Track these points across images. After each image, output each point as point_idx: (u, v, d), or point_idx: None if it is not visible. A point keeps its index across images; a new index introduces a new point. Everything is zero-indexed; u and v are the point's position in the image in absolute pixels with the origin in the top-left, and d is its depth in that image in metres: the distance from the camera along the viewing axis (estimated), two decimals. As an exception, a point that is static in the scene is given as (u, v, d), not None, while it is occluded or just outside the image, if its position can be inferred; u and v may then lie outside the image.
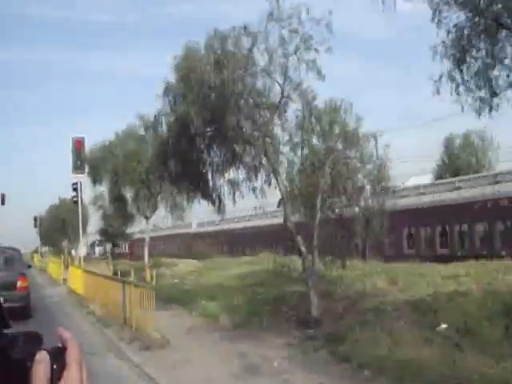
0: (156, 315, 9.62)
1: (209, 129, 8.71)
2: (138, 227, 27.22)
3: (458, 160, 35.63)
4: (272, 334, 8.86)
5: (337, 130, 9.99)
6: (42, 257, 46.83)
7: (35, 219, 45.89)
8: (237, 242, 34.76)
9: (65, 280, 22.63)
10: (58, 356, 0.75)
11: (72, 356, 0.75)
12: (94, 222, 34.36)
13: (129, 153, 19.58)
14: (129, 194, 21.01)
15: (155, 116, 9.62)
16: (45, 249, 55.23)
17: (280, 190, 8.89)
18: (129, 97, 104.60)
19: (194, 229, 41.51)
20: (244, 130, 8.83)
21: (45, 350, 0.75)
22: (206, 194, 10.32)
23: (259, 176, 9.65)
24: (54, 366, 0.74)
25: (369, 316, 8.54)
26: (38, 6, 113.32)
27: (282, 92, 8.68)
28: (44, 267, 36.38)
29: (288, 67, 8.54)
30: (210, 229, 39.10)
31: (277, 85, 8.63)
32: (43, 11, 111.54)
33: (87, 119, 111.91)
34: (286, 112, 8.95)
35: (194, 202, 10.90)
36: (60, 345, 0.77)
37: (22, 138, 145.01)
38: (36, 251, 54.56)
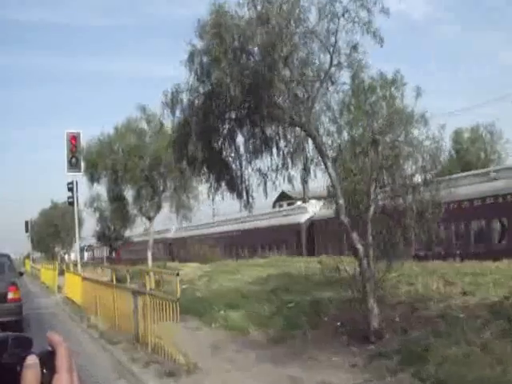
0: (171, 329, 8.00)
1: (246, 103, 7.14)
2: (138, 230, 25.55)
3: (466, 154, 34.55)
4: (323, 352, 7.25)
5: (389, 107, 8.48)
6: (34, 263, 44.85)
7: (26, 223, 43.89)
8: (232, 244, 33.53)
9: (60, 288, 20.99)
10: (48, 360, 0.74)
11: (62, 360, 0.74)
12: (89, 226, 32.80)
13: (129, 148, 17.97)
14: (129, 193, 19.35)
15: (172, 92, 8.02)
16: (37, 254, 53.17)
17: (330, 176, 7.36)
18: (130, 99, 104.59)
19: (172, 233, 40.39)
20: (285, 105, 7.30)
21: (34, 354, 0.74)
22: (232, 186, 8.79)
23: (298, 162, 8.14)
24: (44, 371, 0.73)
25: (441, 326, 7.06)
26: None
27: (331, 59, 7.17)
28: (37, 274, 34.50)
29: (338, 30, 7.06)
30: (185, 234, 37.73)
31: (325, 51, 7.12)
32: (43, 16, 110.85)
33: (88, 122, 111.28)
34: (333, 84, 7.43)
35: (215, 195, 9.25)
36: (50, 348, 0.75)
37: (19, 141, 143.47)
38: (28, 257, 52.46)
